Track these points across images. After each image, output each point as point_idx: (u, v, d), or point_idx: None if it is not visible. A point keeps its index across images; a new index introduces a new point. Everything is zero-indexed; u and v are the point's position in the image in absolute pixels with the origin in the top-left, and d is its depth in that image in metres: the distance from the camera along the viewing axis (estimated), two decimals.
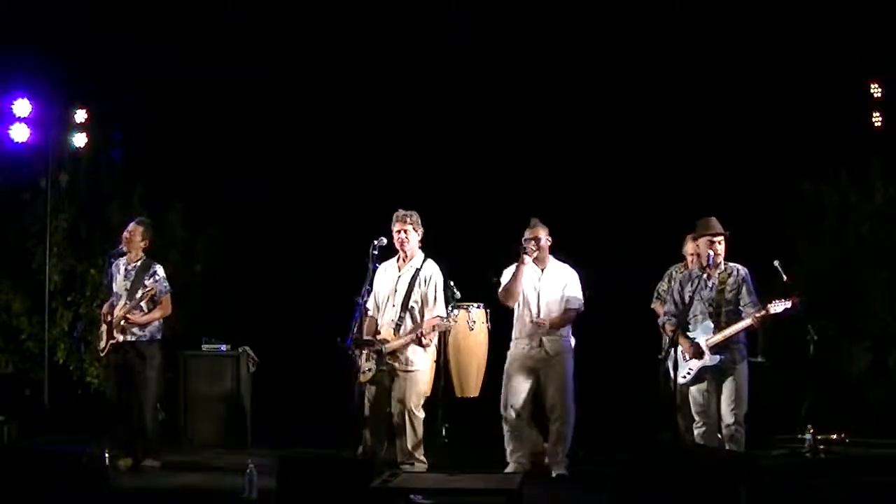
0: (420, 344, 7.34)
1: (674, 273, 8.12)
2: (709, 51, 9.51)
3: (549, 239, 7.70)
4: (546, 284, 7.68)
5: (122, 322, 7.97)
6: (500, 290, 7.73)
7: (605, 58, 9.76)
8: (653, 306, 8.33)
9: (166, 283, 8.07)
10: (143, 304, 8.00)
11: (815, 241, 9.44)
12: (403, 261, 7.50)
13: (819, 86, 9.29)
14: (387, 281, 7.47)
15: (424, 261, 7.50)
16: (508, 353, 7.77)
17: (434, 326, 7.38)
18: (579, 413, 7.76)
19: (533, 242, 7.59)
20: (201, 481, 7.71)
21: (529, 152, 9.91)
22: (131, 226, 8.18)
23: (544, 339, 7.61)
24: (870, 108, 9.53)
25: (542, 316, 7.62)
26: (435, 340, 7.51)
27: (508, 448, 7.68)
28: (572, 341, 7.73)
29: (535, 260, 7.65)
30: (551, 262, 7.77)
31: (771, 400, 8.46)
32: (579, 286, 7.73)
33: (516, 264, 7.61)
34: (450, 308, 7.52)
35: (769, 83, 9.51)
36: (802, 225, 9.50)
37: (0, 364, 10.00)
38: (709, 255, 7.21)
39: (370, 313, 7.48)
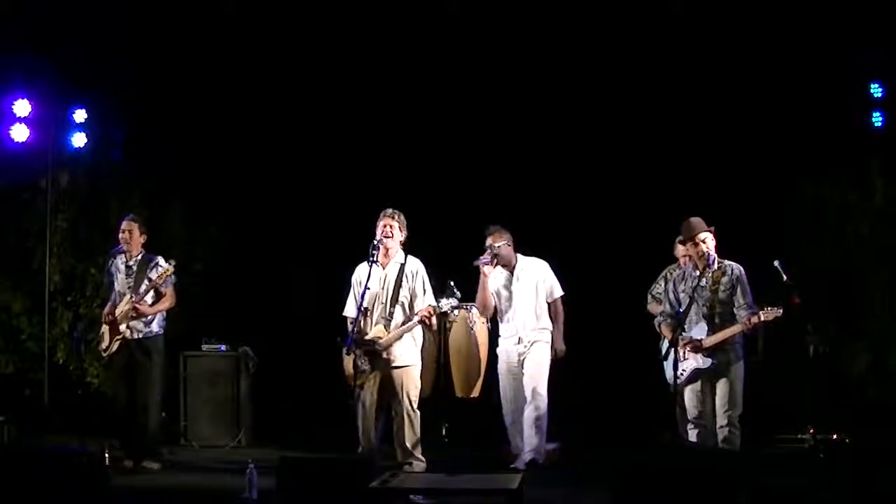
0: (428, 328, 7.48)
1: (668, 274, 8.08)
2: (709, 51, 9.50)
3: (510, 243, 7.93)
4: (518, 284, 7.97)
5: (131, 315, 7.96)
6: (475, 304, 8.07)
7: (605, 57, 9.75)
8: (648, 308, 8.29)
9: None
10: (147, 297, 8.01)
11: (815, 241, 9.42)
12: (385, 257, 7.50)
13: (819, 86, 9.28)
14: (372, 280, 7.45)
15: (407, 257, 7.55)
16: (498, 350, 8.10)
17: (432, 311, 7.41)
18: (581, 413, 7.79)
19: (487, 253, 7.81)
20: (201, 481, 7.72)
21: (530, 152, 9.90)
22: (125, 224, 8.19)
23: (522, 333, 7.89)
24: (870, 108, 9.52)
25: (520, 314, 7.90)
26: (429, 340, 7.60)
27: (513, 444, 7.93)
28: (549, 332, 7.97)
29: (502, 264, 7.92)
30: (520, 260, 8.03)
31: (771, 400, 8.46)
32: (553, 274, 8.02)
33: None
34: (450, 308, 7.56)
35: (769, 83, 9.49)
36: (802, 225, 9.48)
37: (0, 364, 9.99)
38: (707, 255, 7.18)
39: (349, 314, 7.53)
